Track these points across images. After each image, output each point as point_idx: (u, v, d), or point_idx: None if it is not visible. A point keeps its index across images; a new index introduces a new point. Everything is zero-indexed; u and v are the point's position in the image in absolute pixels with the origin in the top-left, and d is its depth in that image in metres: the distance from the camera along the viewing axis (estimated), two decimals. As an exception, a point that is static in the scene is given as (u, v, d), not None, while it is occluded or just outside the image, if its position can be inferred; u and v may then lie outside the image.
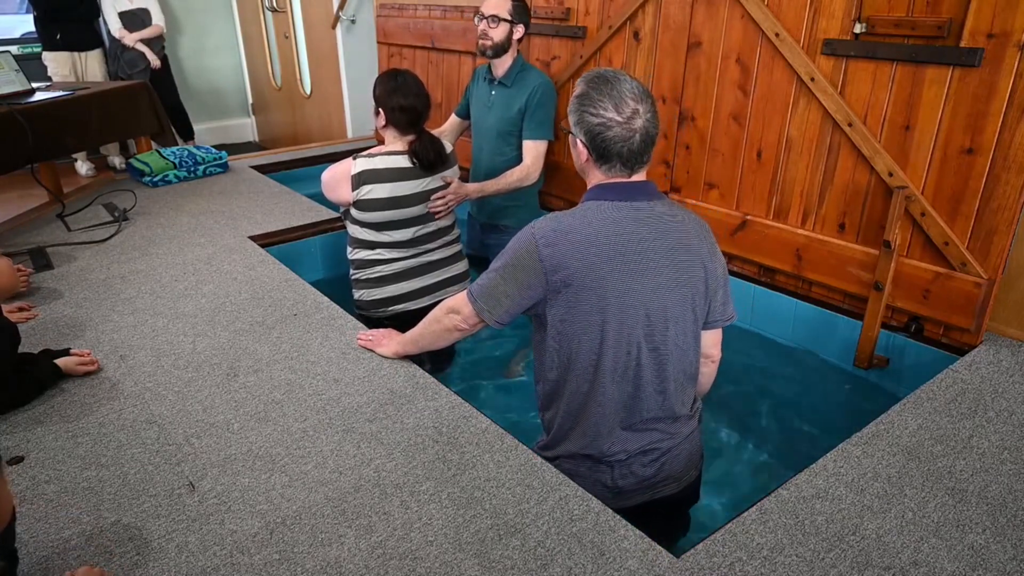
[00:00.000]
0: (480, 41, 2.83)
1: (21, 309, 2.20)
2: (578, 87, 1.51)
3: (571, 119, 1.52)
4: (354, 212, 2.35)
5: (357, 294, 2.49)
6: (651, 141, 1.49)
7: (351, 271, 2.49)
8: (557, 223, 1.50)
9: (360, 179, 2.28)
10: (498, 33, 2.79)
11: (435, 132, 2.59)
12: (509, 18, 2.78)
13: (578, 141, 1.51)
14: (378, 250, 2.39)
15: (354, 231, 2.41)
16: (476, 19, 2.83)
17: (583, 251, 1.46)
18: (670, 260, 1.50)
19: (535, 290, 1.51)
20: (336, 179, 2.34)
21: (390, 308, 2.45)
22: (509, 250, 1.56)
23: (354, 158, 2.31)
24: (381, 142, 2.42)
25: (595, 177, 1.54)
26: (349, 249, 2.47)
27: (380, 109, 2.32)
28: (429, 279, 2.48)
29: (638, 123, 1.45)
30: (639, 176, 1.53)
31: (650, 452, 1.60)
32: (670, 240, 1.50)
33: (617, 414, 1.56)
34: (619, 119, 1.44)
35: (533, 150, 2.84)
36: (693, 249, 1.53)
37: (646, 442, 1.59)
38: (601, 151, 1.48)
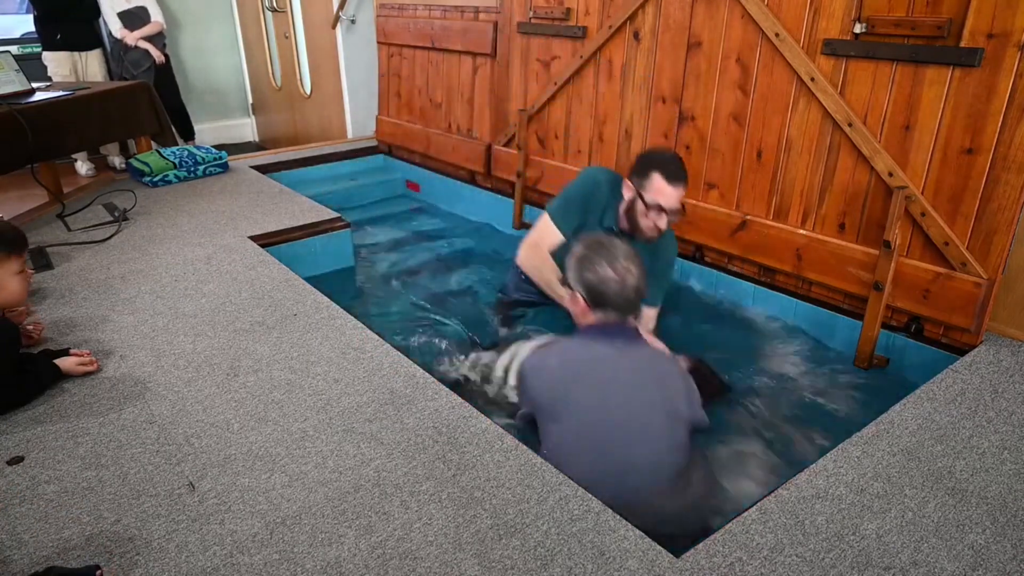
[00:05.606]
0: (652, 235, 2.28)
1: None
2: (577, 250, 1.80)
3: (571, 276, 1.80)
4: None
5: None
6: (640, 295, 1.76)
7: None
8: (541, 360, 1.81)
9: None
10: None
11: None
12: None
13: (578, 295, 1.78)
14: None
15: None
16: (655, 214, 2.20)
17: (555, 379, 1.72)
18: (635, 394, 1.69)
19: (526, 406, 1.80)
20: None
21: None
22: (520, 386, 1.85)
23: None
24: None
25: (591, 319, 1.79)
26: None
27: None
28: None
29: (632, 280, 1.72)
30: (630, 322, 1.79)
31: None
32: (636, 376, 1.71)
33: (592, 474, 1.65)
34: (615, 275, 1.71)
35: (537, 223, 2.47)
36: (654, 390, 1.70)
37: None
38: (598, 302, 1.75)
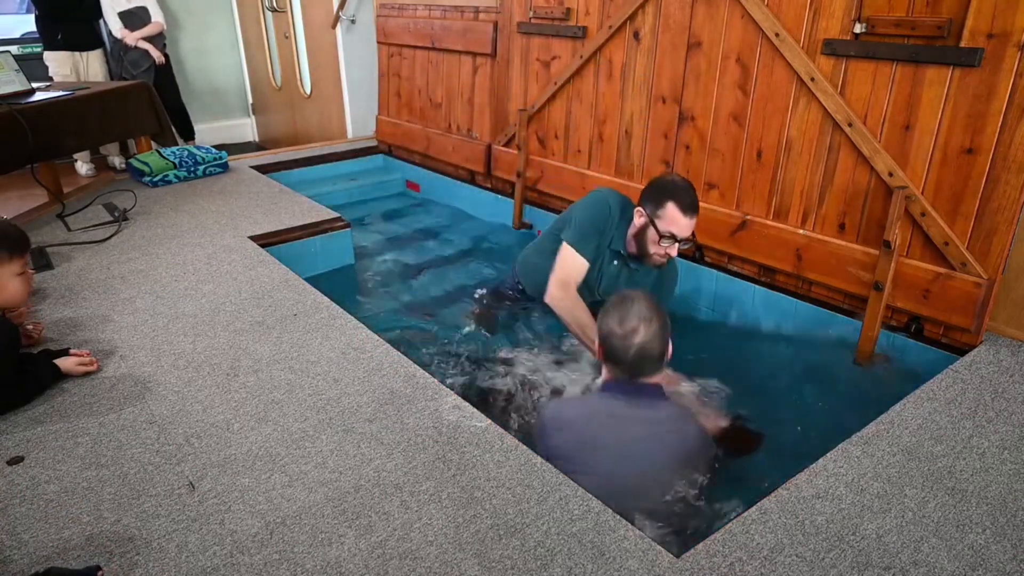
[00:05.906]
0: (660, 261, 2.29)
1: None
2: (609, 300, 1.79)
3: (597, 323, 1.80)
4: None
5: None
6: (650, 358, 1.68)
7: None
8: (559, 410, 1.84)
9: None
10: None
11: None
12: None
13: (597, 342, 1.80)
14: None
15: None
16: (667, 242, 2.20)
17: (570, 433, 1.70)
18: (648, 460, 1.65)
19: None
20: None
21: None
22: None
23: None
24: None
25: (606, 373, 1.79)
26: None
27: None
28: None
29: (636, 340, 1.67)
30: (647, 380, 1.72)
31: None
32: (653, 439, 1.67)
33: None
34: (619, 332, 1.68)
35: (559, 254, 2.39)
36: (669, 457, 1.67)
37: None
38: (608, 354, 1.73)
